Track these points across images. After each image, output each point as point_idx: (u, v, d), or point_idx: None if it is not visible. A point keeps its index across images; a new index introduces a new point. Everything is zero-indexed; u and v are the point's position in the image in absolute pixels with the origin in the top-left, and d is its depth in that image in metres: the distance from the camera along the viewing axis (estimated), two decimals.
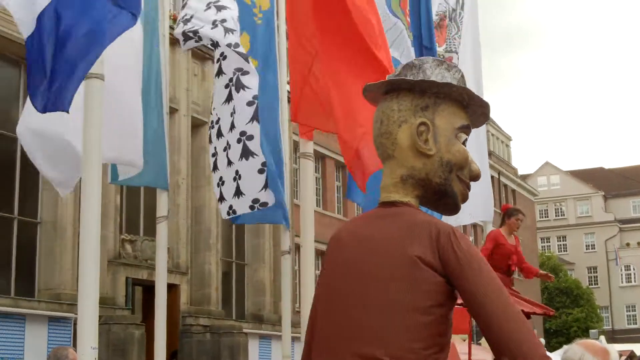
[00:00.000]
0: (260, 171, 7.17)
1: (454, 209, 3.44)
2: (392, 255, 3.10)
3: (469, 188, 3.47)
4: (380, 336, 2.96)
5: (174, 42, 8.84)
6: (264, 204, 7.31)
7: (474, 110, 3.49)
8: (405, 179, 3.31)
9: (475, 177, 3.46)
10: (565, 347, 3.50)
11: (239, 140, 7.33)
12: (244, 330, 23.99)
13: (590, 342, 3.56)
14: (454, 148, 3.35)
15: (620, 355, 40.33)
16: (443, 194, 3.36)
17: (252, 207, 7.44)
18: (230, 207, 7.55)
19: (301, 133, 4.79)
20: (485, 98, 5.69)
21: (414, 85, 3.35)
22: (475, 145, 7.83)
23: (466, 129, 3.44)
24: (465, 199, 3.50)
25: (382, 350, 2.90)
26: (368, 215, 3.40)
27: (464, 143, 3.44)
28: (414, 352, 2.89)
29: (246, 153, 7.26)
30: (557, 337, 57.79)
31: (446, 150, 3.32)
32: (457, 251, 2.98)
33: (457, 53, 7.70)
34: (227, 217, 7.65)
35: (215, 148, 7.50)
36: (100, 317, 20.00)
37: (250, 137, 7.28)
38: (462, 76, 3.44)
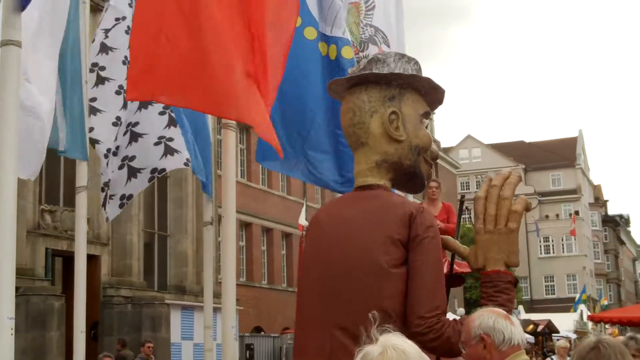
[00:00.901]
0: (157, 143, 7.29)
1: (420, 188, 4.00)
2: (365, 232, 3.59)
3: (432, 168, 4.00)
4: (356, 309, 3.47)
5: (95, 9, 8.71)
6: (163, 170, 7.47)
7: (431, 97, 3.92)
8: (380, 163, 3.78)
9: (435, 157, 4.08)
10: (476, 314, 3.62)
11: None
12: (166, 301, 23.89)
13: (494, 308, 3.68)
14: (420, 133, 3.84)
15: (538, 325, 41.23)
16: (413, 175, 3.87)
17: (151, 179, 7.52)
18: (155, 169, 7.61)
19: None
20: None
21: (382, 78, 3.77)
22: None
23: (427, 115, 3.90)
24: (430, 177, 4.06)
25: (357, 317, 3.35)
26: (346, 198, 3.90)
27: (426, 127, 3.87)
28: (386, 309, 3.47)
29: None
30: (477, 306, 58.80)
31: (414, 136, 3.81)
32: (421, 233, 3.57)
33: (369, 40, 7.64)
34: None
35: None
36: (19, 288, 19.74)
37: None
38: (420, 67, 3.84)
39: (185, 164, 7.72)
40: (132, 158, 7.52)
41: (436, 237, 3.67)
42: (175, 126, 7.53)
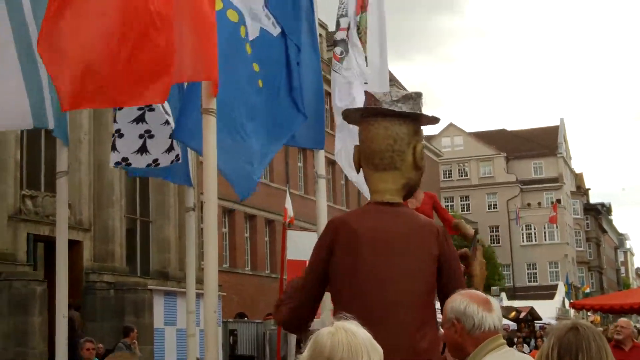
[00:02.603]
0: (170, 135, 7.22)
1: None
2: (414, 247, 4.44)
3: None
4: (409, 304, 4.35)
5: None
6: (158, 163, 7.44)
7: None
8: (404, 186, 4.61)
9: None
10: (453, 296, 3.66)
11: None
12: (149, 287, 23.86)
13: (473, 292, 3.71)
14: (424, 161, 4.71)
15: (521, 312, 41.38)
16: (411, 194, 4.78)
17: (149, 165, 7.48)
18: (125, 159, 7.55)
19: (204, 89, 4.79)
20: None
21: (417, 117, 4.61)
22: None
23: None
24: None
25: (411, 312, 4.35)
26: (372, 211, 4.60)
27: None
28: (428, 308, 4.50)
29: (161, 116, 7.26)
30: None
31: (424, 164, 4.68)
32: (448, 248, 4.54)
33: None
34: (115, 167, 7.72)
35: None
36: (0, 273, 19.67)
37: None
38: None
39: (172, 162, 7.74)
40: (152, 136, 7.49)
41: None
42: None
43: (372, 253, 4.41)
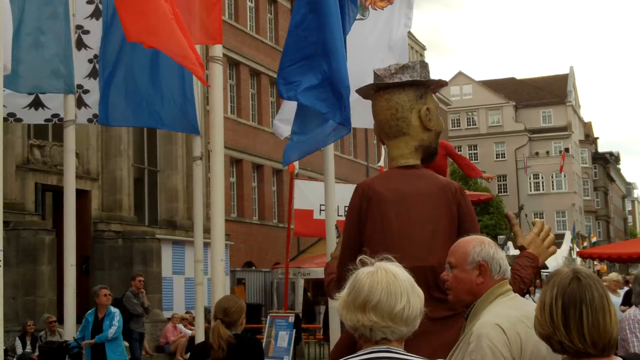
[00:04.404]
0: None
1: (432, 160, 5.17)
2: (435, 208, 4.71)
3: None
4: (433, 251, 4.59)
5: None
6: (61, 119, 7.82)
7: (436, 89, 5.13)
8: (417, 148, 4.91)
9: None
10: (470, 239, 3.69)
11: None
12: (157, 236, 23.96)
13: (487, 238, 3.72)
14: (439, 121, 5.02)
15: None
16: (433, 154, 5.05)
17: (48, 121, 7.80)
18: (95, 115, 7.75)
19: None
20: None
21: (419, 83, 4.89)
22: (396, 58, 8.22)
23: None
24: None
25: (434, 258, 4.55)
26: (395, 174, 4.87)
27: None
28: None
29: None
30: None
31: (437, 124, 4.97)
32: (466, 205, 4.80)
33: None
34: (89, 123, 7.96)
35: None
36: (9, 222, 19.72)
37: None
38: (429, 69, 4.99)
39: (90, 121, 7.84)
40: (86, 91, 7.62)
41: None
42: (95, 78, 7.61)
43: (397, 213, 4.70)
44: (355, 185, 4.99)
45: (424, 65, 5.03)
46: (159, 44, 4.91)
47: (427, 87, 5.04)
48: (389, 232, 4.71)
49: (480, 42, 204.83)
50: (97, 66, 7.55)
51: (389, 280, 2.67)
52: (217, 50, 4.72)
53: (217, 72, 4.71)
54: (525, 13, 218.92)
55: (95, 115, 7.67)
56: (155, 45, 5.18)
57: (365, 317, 2.66)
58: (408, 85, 4.93)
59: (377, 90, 5.03)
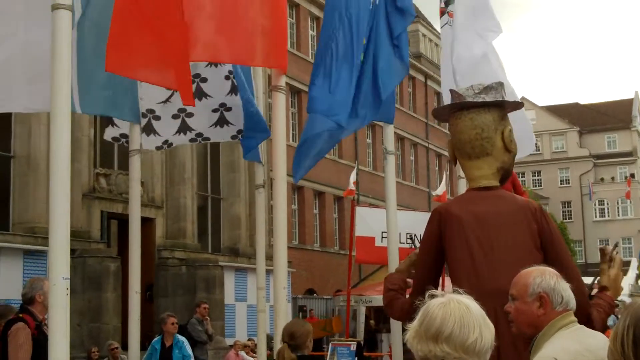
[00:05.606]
0: (215, 110, 7.43)
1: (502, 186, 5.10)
2: (516, 227, 4.66)
3: None
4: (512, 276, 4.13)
5: None
6: (207, 138, 7.71)
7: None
8: (499, 169, 4.86)
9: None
10: (532, 270, 3.65)
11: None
12: (220, 263, 24.10)
13: (550, 268, 3.68)
14: (515, 144, 4.94)
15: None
16: (508, 177, 5.00)
17: (192, 140, 7.73)
18: (166, 142, 7.72)
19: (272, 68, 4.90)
20: None
21: (504, 104, 4.91)
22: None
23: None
24: None
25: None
26: (474, 196, 4.84)
27: None
28: None
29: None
30: None
31: (515, 147, 4.92)
32: (547, 225, 4.74)
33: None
34: (157, 150, 7.97)
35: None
36: (75, 250, 19.98)
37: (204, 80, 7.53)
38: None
39: (234, 137, 7.79)
40: (190, 115, 7.54)
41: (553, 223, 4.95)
42: (236, 94, 7.56)
43: (476, 235, 4.68)
44: (418, 212, 4.99)
45: (502, 85, 5.01)
46: (136, 75, 4.96)
47: (505, 109, 5.01)
48: (469, 253, 4.68)
49: (544, 67, 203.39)
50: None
51: (461, 312, 2.64)
52: (281, 80, 4.77)
53: (281, 101, 4.75)
54: (588, 37, 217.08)
55: (165, 142, 7.71)
56: (132, 76, 5.30)
57: (438, 348, 2.62)
58: (493, 106, 4.89)
59: (459, 109, 4.97)
